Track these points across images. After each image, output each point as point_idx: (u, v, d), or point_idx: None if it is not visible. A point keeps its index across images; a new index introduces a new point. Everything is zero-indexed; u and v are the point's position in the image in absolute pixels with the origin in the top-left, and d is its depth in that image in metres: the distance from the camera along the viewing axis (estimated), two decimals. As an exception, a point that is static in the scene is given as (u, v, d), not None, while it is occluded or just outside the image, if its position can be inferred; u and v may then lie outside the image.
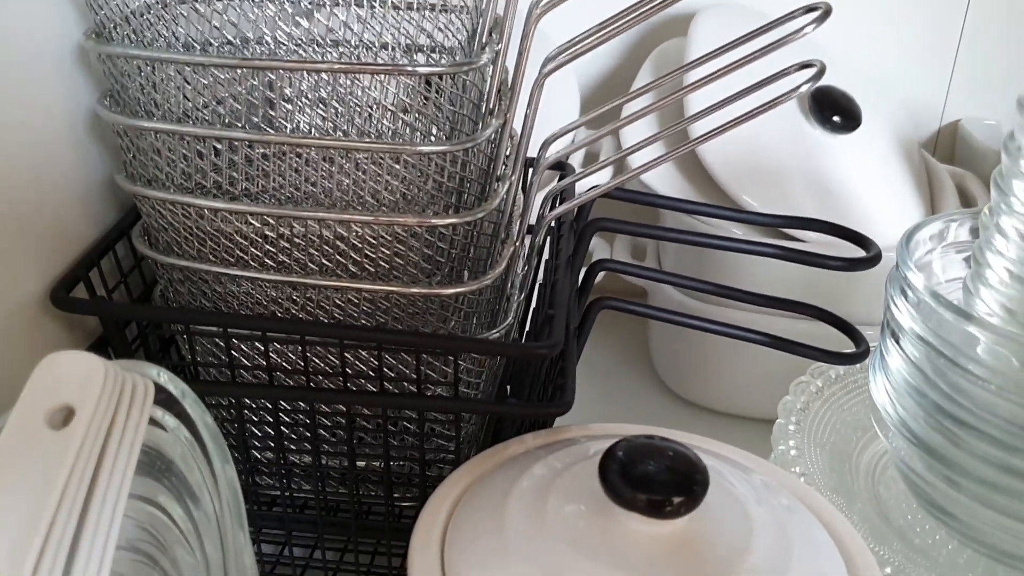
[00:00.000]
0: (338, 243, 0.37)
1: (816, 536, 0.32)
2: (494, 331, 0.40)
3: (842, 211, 0.53)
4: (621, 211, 0.48)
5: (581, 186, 0.43)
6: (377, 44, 0.37)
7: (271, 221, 0.36)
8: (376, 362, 0.38)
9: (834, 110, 0.56)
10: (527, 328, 0.48)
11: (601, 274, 0.52)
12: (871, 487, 0.42)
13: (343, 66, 0.34)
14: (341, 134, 0.36)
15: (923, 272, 0.37)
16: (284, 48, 0.36)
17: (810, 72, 0.38)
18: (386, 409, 0.39)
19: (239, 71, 0.35)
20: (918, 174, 0.59)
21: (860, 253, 0.43)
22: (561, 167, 0.50)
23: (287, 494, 0.43)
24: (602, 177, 0.52)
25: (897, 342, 0.38)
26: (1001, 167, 0.35)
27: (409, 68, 0.33)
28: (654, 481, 0.30)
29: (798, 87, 0.37)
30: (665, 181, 0.55)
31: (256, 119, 0.36)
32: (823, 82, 0.57)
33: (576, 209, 0.47)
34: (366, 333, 0.37)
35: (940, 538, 0.39)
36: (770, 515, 0.31)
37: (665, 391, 0.61)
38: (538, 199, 0.44)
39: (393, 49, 0.37)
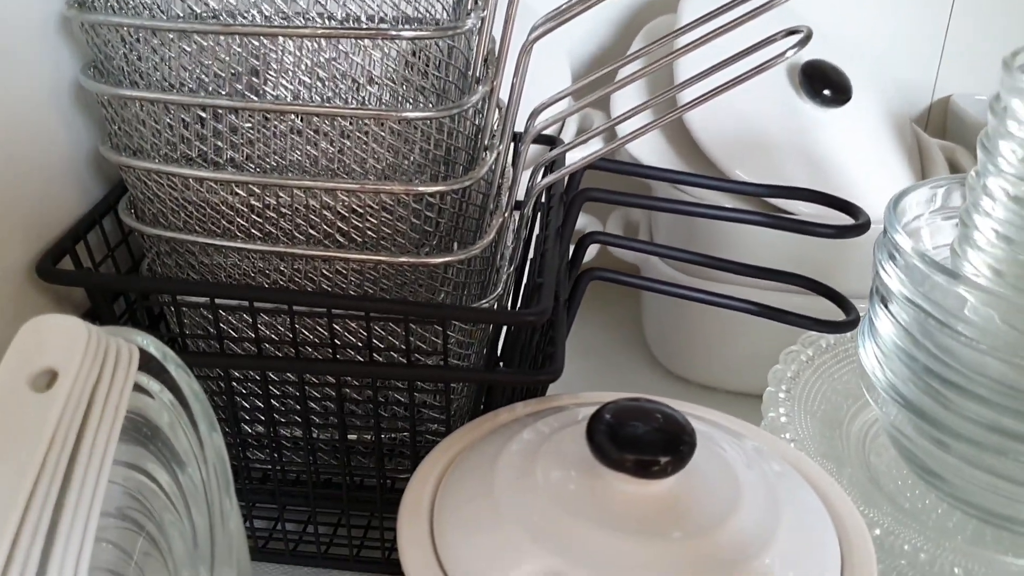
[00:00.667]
0: (325, 213, 0.37)
1: (806, 499, 0.32)
2: (483, 302, 0.40)
3: (832, 185, 0.53)
4: (612, 184, 0.48)
5: (571, 158, 0.43)
6: (364, 16, 0.37)
7: (257, 191, 0.36)
8: (365, 333, 0.38)
9: (824, 83, 0.55)
10: (519, 303, 0.48)
11: (594, 252, 0.51)
12: (862, 454, 0.42)
13: (326, 31, 0.33)
14: (326, 102, 0.36)
15: (912, 238, 0.37)
16: (270, 21, 0.36)
17: (796, 38, 0.38)
18: (375, 380, 0.38)
19: (223, 39, 0.35)
20: (909, 148, 0.59)
21: (849, 222, 0.43)
22: (551, 141, 0.50)
23: (278, 468, 0.43)
24: (592, 150, 0.52)
25: (886, 307, 0.38)
26: (987, 129, 0.35)
27: (392, 32, 0.33)
28: (641, 441, 0.30)
29: (784, 52, 0.37)
30: (655, 156, 0.55)
31: (240, 87, 0.35)
32: (814, 56, 0.58)
33: (566, 180, 0.47)
34: (354, 301, 0.37)
35: (930, 502, 0.39)
36: (759, 478, 0.31)
37: (658, 367, 0.61)
38: (527, 173, 0.44)
39: (381, 21, 0.37)
